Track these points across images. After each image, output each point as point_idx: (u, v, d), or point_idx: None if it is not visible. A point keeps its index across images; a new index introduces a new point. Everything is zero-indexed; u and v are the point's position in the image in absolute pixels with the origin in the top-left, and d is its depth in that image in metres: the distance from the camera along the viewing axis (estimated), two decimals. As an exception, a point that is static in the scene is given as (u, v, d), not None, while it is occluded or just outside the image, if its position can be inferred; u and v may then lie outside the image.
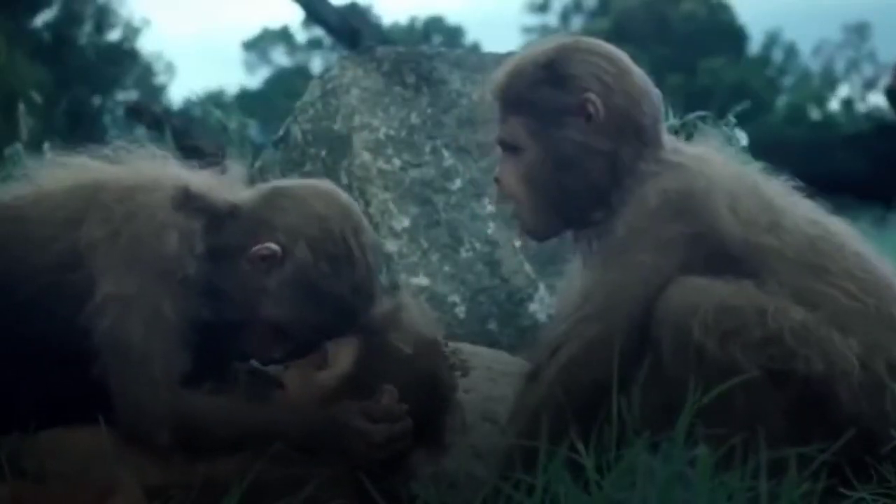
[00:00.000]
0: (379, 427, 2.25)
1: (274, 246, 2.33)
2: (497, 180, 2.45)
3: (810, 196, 2.40)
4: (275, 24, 28.90)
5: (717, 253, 2.21)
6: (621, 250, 2.25)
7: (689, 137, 3.91)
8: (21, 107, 6.93)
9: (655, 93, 2.43)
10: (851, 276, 2.23)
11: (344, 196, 2.46)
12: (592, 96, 2.34)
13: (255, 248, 2.34)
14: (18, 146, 5.51)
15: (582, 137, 2.35)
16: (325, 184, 2.52)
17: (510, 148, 2.42)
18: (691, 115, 3.95)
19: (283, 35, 28.14)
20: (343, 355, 2.36)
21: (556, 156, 2.36)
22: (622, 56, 2.43)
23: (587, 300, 2.26)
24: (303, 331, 2.36)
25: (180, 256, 2.30)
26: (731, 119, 3.97)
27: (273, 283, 2.34)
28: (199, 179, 2.43)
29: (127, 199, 2.34)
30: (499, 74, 2.45)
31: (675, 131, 3.86)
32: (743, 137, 3.93)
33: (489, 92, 2.47)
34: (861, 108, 26.42)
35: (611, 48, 2.44)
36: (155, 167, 2.44)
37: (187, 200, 2.36)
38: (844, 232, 2.34)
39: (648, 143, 2.35)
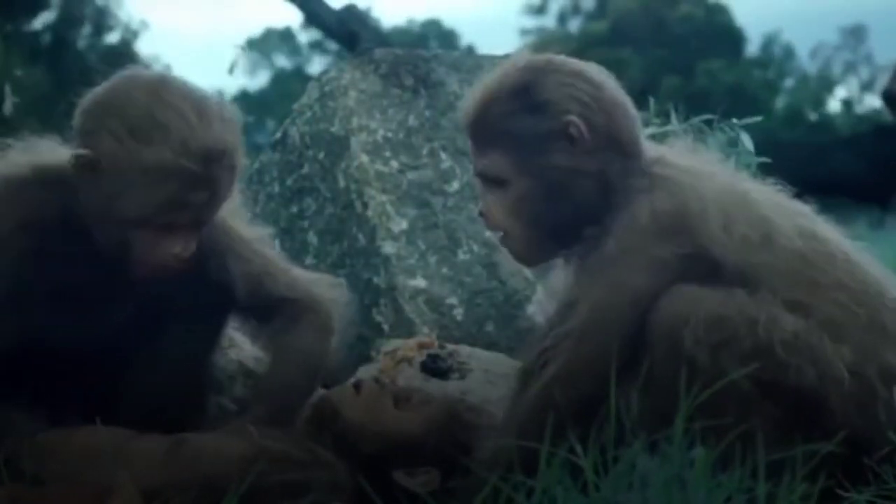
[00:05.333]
0: None
1: (83, 151, 2.30)
2: (482, 214, 2.41)
3: (806, 198, 2.40)
4: (275, 25, 28.87)
5: (708, 271, 2.20)
6: (611, 268, 2.22)
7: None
8: (5, 99, 6.90)
9: (630, 103, 2.40)
10: (842, 286, 2.22)
11: (149, 74, 2.40)
12: (574, 118, 2.30)
13: (72, 164, 2.31)
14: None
15: (569, 162, 2.31)
16: (125, 73, 2.42)
17: (492, 181, 2.37)
18: (695, 120, 3.95)
19: (283, 37, 28.13)
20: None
21: (544, 184, 2.32)
22: (594, 71, 2.39)
23: (574, 316, 2.23)
24: (163, 213, 2.30)
25: None
26: (736, 123, 3.97)
27: (106, 184, 2.29)
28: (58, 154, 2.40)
29: None
30: (469, 106, 2.39)
31: (675, 135, 3.86)
32: (748, 141, 3.92)
33: (462, 124, 2.42)
34: (858, 109, 26.44)
35: (581, 64, 2.39)
36: (6, 162, 2.42)
37: (27, 184, 2.36)
38: (835, 239, 2.33)
39: (630, 156, 2.33)
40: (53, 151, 2.43)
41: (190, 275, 2.43)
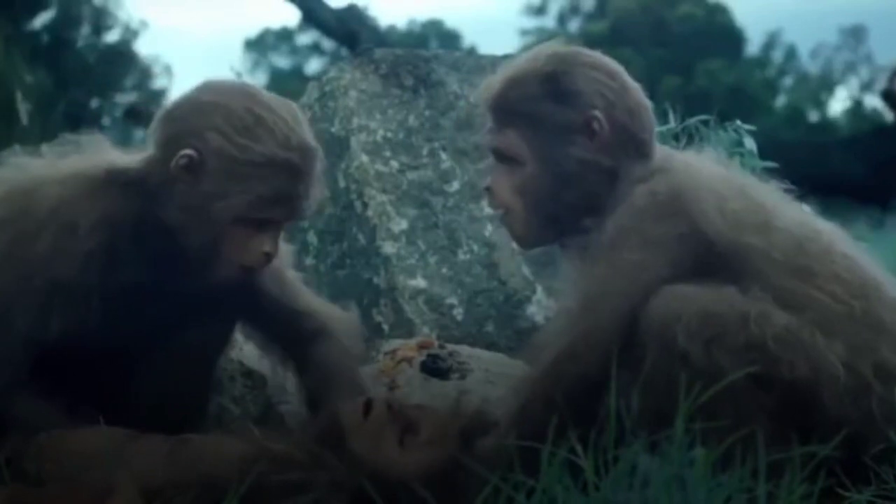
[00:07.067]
0: None
1: (187, 151, 2.36)
2: (488, 189, 2.47)
3: (807, 198, 2.41)
4: (274, 25, 28.87)
5: (705, 252, 2.23)
6: (609, 249, 2.26)
7: (689, 141, 3.91)
8: (19, 109, 6.91)
9: (650, 105, 2.45)
10: (838, 278, 2.24)
11: (234, 81, 2.52)
12: (598, 113, 2.36)
13: (172, 165, 2.37)
14: (17, 149, 5.50)
15: (586, 155, 2.37)
16: (211, 80, 2.52)
17: (506, 159, 2.43)
18: (692, 120, 3.95)
19: (281, 36, 28.10)
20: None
21: (556, 171, 2.38)
22: (620, 69, 2.45)
23: (575, 296, 2.28)
24: (264, 208, 2.38)
25: (52, 260, 2.34)
26: (739, 124, 3.97)
27: (209, 182, 2.37)
28: (130, 158, 2.46)
29: (17, 199, 2.40)
30: (494, 83, 2.44)
31: (674, 135, 3.86)
32: (751, 143, 3.93)
33: (482, 100, 2.47)
34: (858, 110, 26.39)
35: (609, 60, 2.46)
36: (81, 159, 2.47)
37: (103, 184, 2.40)
38: (833, 234, 2.36)
39: (643, 157, 2.38)
40: (108, 153, 2.50)
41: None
